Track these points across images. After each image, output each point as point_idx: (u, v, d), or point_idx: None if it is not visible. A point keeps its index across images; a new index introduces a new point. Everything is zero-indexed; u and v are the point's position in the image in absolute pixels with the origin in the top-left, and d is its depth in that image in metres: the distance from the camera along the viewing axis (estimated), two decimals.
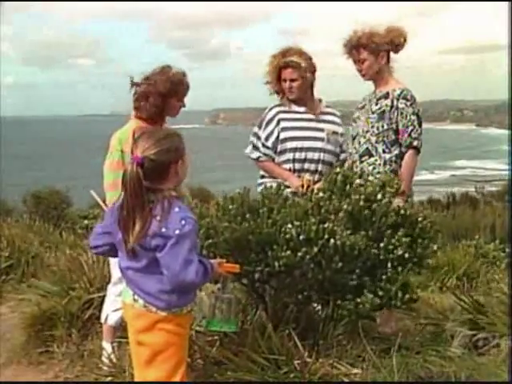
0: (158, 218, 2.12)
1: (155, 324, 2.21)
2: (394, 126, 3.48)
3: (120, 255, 2.28)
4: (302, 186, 3.44)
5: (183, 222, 2.12)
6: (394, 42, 3.55)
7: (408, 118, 3.46)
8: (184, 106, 3.30)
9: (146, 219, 2.13)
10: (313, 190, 3.04)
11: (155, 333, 2.22)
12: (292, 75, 3.61)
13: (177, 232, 2.10)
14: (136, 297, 2.24)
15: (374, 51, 3.52)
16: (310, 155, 3.61)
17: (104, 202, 3.22)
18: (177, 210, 2.14)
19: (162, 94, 3.14)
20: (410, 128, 3.46)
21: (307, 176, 3.55)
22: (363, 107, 3.69)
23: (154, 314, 2.21)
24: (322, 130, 3.67)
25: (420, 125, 3.52)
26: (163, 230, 2.11)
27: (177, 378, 2.22)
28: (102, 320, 3.31)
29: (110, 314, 3.25)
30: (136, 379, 2.33)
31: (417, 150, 3.51)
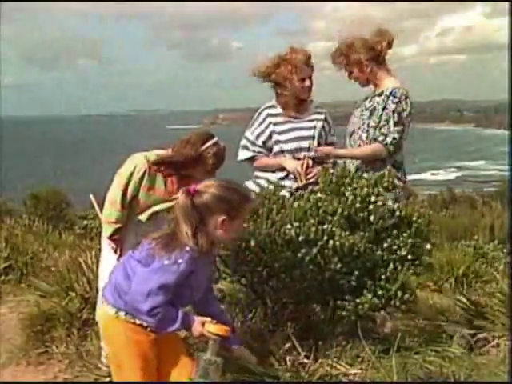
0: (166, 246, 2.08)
1: (109, 326, 2.20)
2: (382, 123, 3.50)
3: None
4: (302, 169, 3.36)
5: (179, 260, 2.06)
6: (375, 48, 3.53)
7: (388, 114, 3.45)
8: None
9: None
10: (312, 191, 3.04)
11: (110, 336, 2.22)
12: (311, 74, 3.54)
13: (166, 262, 2.05)
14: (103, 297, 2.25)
15: (355, 64, 3.55)
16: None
17: (101, 209, 3.15)
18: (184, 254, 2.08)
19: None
20: (382, 123, 3.46)
21: (305, 154, 3.44)
22: (360, 106, 3.70)
23: (110, 314, 2.17)
24: (314, 128, 3.59)
25: (396, 123, 3.45)
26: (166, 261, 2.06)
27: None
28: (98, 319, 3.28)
29: None
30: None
31: (385, 147, 3.44)
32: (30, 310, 3.87)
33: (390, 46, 3.57)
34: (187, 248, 2.07)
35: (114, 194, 3.01)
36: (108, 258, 3.12)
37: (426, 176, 47.63)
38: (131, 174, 2.98)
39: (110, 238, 3.07)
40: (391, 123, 3.44)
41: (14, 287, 5.05)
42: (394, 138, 3.42)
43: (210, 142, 2.97)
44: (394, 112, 3.44)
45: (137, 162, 3.01)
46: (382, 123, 3.45)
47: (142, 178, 2.97)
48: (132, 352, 2.17)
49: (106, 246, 3.15)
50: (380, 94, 3.54)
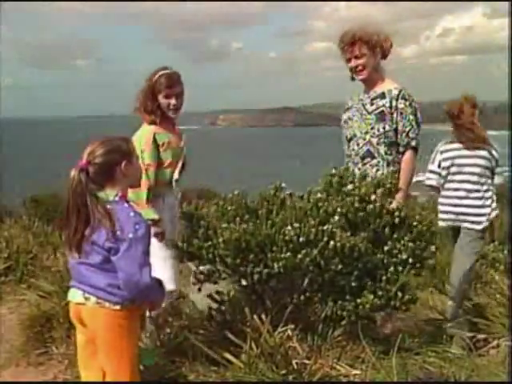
0: (109, 221, 2.19)
1: (110, 319, 2.26)
2: (394, 126, 3.47)
3: (68, 253, 2.34)
4: None
5: (137, 226, 2.18)
6: (383, 46, 3.54)
7: (407, 118, 3.45)
8: (175, 103, 3.31)
9: (86, 222, 2.21)
10: (311, 191, 3.04)
11: (110, 328, 2.27)
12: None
13: (130, 236, 2.17)
14: (87, 295, 2.28)
15: (371, 46, 3.50)
16: None
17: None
18: (132, 214, 2.22)
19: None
20: (408, 128, 3.46)
21: None
22: (351, 107, 3.66)
23: (108, 309, 2.25)
24: None
25: (418, 124, 3.51)
26: (118, 233, 2.17)
27: (127, 372, 2.28)
28: None
29: None
30: (86, 379, 2.39)
31: (415, 149, 3.51)
32: (29, 310, 3.87)
33: (391, 47, 3.58)
34: (125, 205, 2.25)
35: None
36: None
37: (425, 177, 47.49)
38: (142, 148, 3.18)
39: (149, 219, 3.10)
40: (415, 125, 3.46)
41: (13, 288, 5.05)
42: (419, 139, 3.49)
43: (160, 71, 3.28)
44: (411, 114, 3.46)
45: (142, 136, 3.26)
46: (404, 127, 3.45)
47: (154, 142, 3.22)
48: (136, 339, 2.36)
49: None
50: (382, 97, 3.51)
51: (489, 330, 3.08)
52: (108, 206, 2.24)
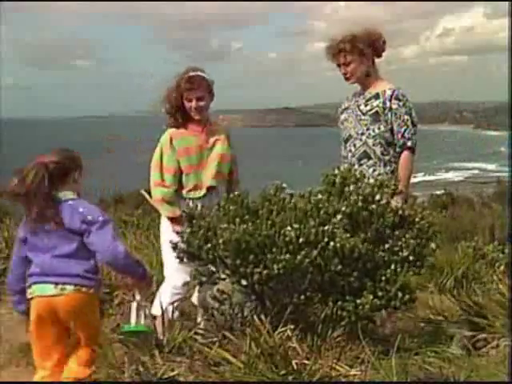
0: (81, 209, 2.57)
1: (88, 301, 2.57)
2: (389, 127, 3.47)
3: (33, 250, 2.61)
4: None
5: (103, 212, 2.63)
6: (375, 45, 3.54)
7: (401, 118, 3.45)
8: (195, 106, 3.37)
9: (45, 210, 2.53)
10: (311, 192, 3.04)
11: (89, 309, 2.59)
12: None
13: (100, 218, 2.56)
14: (62, 285, 2.53)
15: (358, 53, 3.50)
16: None
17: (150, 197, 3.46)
18: (94, 206, 2.69)
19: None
20: (404, 128, 3.45)
21: None
22: (347, 108, 3.66)
23: (84, 293, 2.55)
24: None
25: (414, 124, 3.49)
26: (89, 217, 2.54)
27: (98, 339, 2.68)
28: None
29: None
30: (44, 370, 2.64)
31: (412, 149, 3.50)
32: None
33: (385, 45, 3.58)
34: (86, 201, 2.66)
35: (152, 176, 3.35)
36: (166, 252, 3.29)
37: (426, 177, 47.60)
38: (161, 152, 3.35)
39: (168, 218, 3.34)
40: (410, 125, 3.46)
41: None
42: (415, 139, 3.49)
43: (184, 73, 3.37)
44: (406, 114, 3.45)
45: (161, 140, 3.39)
46: (399, 128, 3.44)
47: (172, 146, 3.34)
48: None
49: (165, 244, 3.32)
50: (376, 97, 3.51)
51: (489, 330, 3.07)
52: (70, 202, 2.59)
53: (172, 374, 2.55)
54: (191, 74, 3.37)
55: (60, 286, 2.51)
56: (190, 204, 3.25)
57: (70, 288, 2.51)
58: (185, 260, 2.98)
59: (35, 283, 2.56)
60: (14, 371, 3.47)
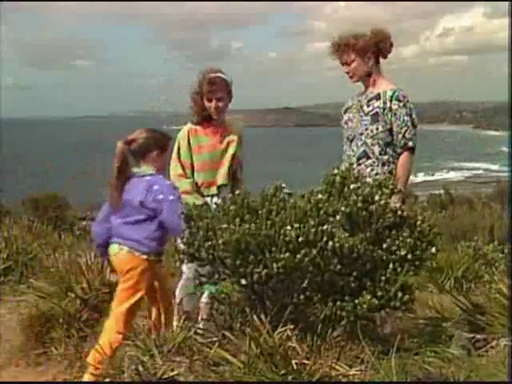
0: (156, 186, 3.01)
1: (137, 264, 2.99)
2: (388, 127, 3.48)
3: (112, 214, 3.09)
4: None
5: (174, 190, 3.07)
6: (379, 46, 3.54)
7: (401, 119, 3.45)
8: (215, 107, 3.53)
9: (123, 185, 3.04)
10: (312, 192, 3.04)
11: (136, 271, 2.97)
12: None
13: (170, 197, 3.00)
14: (122, 246, 3.02)
15: (360, 53, 3.51)
16: None
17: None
18: (168, 182, 3.12)
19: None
20: (404, 129, 3.46)
21: None
22: (350, 108, 3.67)
23: (136, 257, 2.99)
24: None
25: (414, 125, 3.50)
26: (160, 196, 2.99)
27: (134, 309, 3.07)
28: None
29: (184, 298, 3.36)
30: (112, 313, 3.06)
31: (412, 150, 3.51)
32: (29, 310, 3.87)
33: (391, 47, 3.58)
34: (161, 176, 3.13)
35: (172, 169, 3.52)
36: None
37: (425, 177, 47.62)
38: (179, 144, 3.53)
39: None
40: (411, 126, 3.46)
41: (13, 288, 5.06)
42: (415, 140, 3.50)
43: (206, 74, 3.53)
44: (406, 115, 3.45)
45: (178, 135, 3.58)
46: (400, 128, 3.44)
47: (188, 141, 3.52)
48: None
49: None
50: (377, 98, 3.52)
51: (488, 330, 3.07)
52: (147, 178, 3.05)
53: (172, 373, 2.55)
54: (212, 75, 3.54)
55: (120, 247, 3.02)
56: (208, 200, 3.42)
57: (125, 249, 3.00)
58: (185, 261, 2.99)
59: (112, 243, 3.08)
60: (14, 371, 3.47)
